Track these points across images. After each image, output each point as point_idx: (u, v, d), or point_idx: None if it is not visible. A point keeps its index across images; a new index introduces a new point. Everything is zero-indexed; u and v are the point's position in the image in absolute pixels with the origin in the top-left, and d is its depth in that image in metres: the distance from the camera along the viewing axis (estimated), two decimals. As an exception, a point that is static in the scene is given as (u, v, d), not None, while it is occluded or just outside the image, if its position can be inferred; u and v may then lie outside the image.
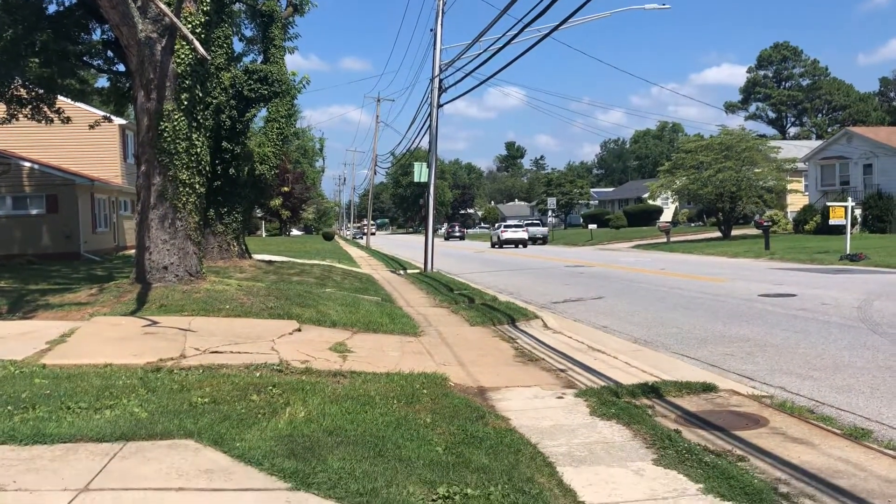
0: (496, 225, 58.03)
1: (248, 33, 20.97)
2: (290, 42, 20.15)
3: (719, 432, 5.44)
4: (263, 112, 20.11)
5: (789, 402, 6.35)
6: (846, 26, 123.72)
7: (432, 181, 23.34)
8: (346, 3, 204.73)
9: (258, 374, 6.67)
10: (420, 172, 25.76)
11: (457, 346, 9.28)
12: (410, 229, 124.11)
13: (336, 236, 78.73)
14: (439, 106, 23.21)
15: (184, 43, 11.02)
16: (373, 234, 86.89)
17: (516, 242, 47.65)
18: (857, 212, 35.93)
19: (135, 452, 4.51)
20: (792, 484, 4.41)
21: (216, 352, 7.60)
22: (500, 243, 48.34)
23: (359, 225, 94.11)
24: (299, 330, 9.30)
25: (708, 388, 6.68)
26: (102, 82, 23.72)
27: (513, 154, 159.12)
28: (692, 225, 61.13)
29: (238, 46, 22.92)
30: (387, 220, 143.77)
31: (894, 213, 36.93)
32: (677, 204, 65.59)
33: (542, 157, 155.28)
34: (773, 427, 5.57)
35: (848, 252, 23.71)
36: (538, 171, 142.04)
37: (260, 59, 19.91)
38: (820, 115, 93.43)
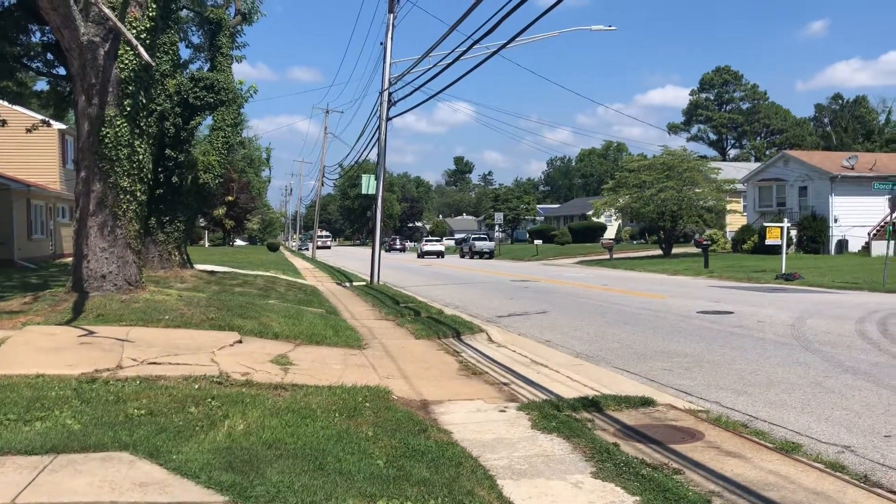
0: (422, 239, 74.13)
1: (195, 40, 20.71)
2: (237, 50, 19.97)
3: (656, 446, 5.54)
4: (209, 120, 19.84)
5: (724, 416, 6.50)
6: (785, 53, 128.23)
7: (380, 193, 23.31)
8: (296, 12, 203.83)
9: (197, 386, 6.55)
10: (368, 184, 25.70)
11: (401, 360, 9.27)
12: (357, 241, 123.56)
13: (281, 247, 77.86)
14: (388, 119, 23.23)
15: (128, 48, 10.82)
16: (328, 246, 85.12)
17: (434, 253, 59.60)
18: (793, 233, 37.09)
19: (66, 465, 4.38)
20: (725, 496, 4.52)
21: (154, 363, 7.44)
22: (423, 254, 60.17)
23: (321, 235, 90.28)
24: (240, 342, 9.17)
25: (646, 402, 6.80)
26: (42, 85, 23.14)
27: (461, 169, 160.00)
28: (634, 242, 62.25)
29: (184, 53, 22.74)
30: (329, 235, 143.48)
31: (827, 234, 38.22)
32: (620, 221, 66.73)
33: (490, 172, 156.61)
34: (709, 441, 5.70)
35: (783, 271, 24.45)
36: (486, 187, 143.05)
37: (206, 66, 19.67)
38: (759, 137, 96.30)
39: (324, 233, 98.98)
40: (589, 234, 70.44)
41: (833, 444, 5.74)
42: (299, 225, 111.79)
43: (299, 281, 23.59)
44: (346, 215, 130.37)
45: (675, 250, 43.37)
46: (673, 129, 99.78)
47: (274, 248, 67.26)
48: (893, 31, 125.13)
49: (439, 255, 59.21)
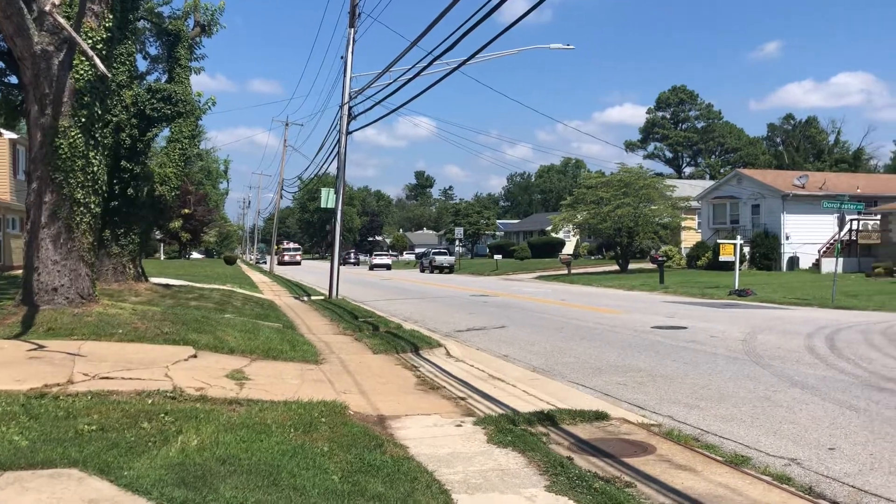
0: (371, 254, 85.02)
1: (152, 51, 20.45)
2: (196, 62, 19.80)
3: (609, 459, 5.62)
4: (166, 132, 19.63)
5: (676, 430, 6.62)
6: (739, 73, 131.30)
7: (339, 207, 23.24)
8: (257, 24, 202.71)
9: (150, 401, 6.46)
10: (327, 198, 25.61)
11: (359, 374, 9.25)
12: (317, 255, 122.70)
13: (238, 260, 77.00)
14: (348, 133, 23.22)
15: (83, 58, 10.68)
16: (297, 261, 79.08)
17: (383, 266, 66.19)
18: (746, 249, 37.90)
19: (12, 482, 4.29)
20: (675, 508, 4.60)
21: (107, 377, 7.32)
22: (373, 266, 66.48)
23: (290, 248, 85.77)
24: (195, 356, 9.06)
25: (601, 416, 6.89)
26: (-8, 94, 22.59)
27: (422, 183, 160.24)
28: (592, 258, 62.91)
29: (142, 64, 22.47)
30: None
31: (779, 251, 39.13)
32: (578, 237, 67.41)
33: (450, 187, 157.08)
34: (661, 454, 5.80)
35: (736, 287, 24.97)
36: (447, 201, 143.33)
37: (164, 77, 19.46)
38: (713, 156, 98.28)
39: (292, 245, 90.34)
40: (548, 249, 71.00)
41: (780, 456, 5.88)
42: (257, 238, 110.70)
43: (256, 295, 23.37)
44: (306, 229, 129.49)
45: (631, 266, 43.97)
46: (630, 146, 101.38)
47: (231, 261, 66.48)
48: (844, 54, 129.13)
49: (387, 267, 66.95)
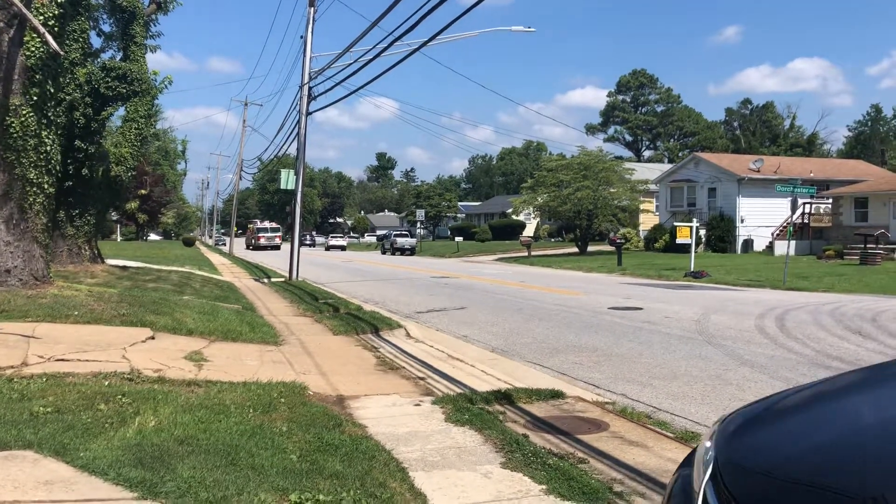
0: (329, 236, 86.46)
1: (106, 29, 20.00)
2: (152, 40, 19.44)
3: (564, 436, 5.76)
4: (121, 111, 19.26)
5: (630, 408, 6.79)
6: (699, 58, 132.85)
7: (299, 188, 23.10)
8: (215, 1, 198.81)
9: (107, 383, 6.43)
10: (287, 179, 25.42)
11: (318, 355, 9.28)
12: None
13: (197, 242, 76.04)
14: (309, 113, 23.03)
15: (35, 35, 10.44)
16: (276, 245, 66.17)
17: (338, 247, 71.21)
18: (702, 232, 38.58)
19: (-34, 465, 4.26)
20: (626, 483, 4.75)
21: (62, 359, 7.25)
22: (329, 247, 71.27)
23: (265, 228, 72.22)
24: (153, 338, 9.00)
25: (556, 394, 7.04)
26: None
27: (384, 165, 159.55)
28: (552, 240, 63.46)
29: (96, 42, 21.91)
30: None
31: (734, 234, 39.90)
32: (539, 220, 67.92)
33: (412, 169, 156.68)
34: (614, 431, 5.96)
35: (692, 269, 25.45)
36: (408, 183, 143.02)
37: (119, 55, 19.07)
38: (672, 140, 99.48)
39: (269, 224, 75.08)
40: (509, 231, 71.43)
41: (728, 432, 6.06)
42: (216, 219, 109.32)
43: (215, 277, 23.17)
44: (266, 210, 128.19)
45: (590, 248, 44.47)
46: (590, 129, 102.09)
47: (189, 242, 65.62)
48: (801, 39, 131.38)
49: (342, 248, 71.75)
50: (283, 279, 23.46)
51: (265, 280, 23.87)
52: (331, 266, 35.97)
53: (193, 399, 6.08)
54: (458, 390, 7.30)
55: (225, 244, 75.00)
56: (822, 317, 13.89)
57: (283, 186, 26.22)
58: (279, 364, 8.34)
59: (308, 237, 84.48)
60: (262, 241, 67.66)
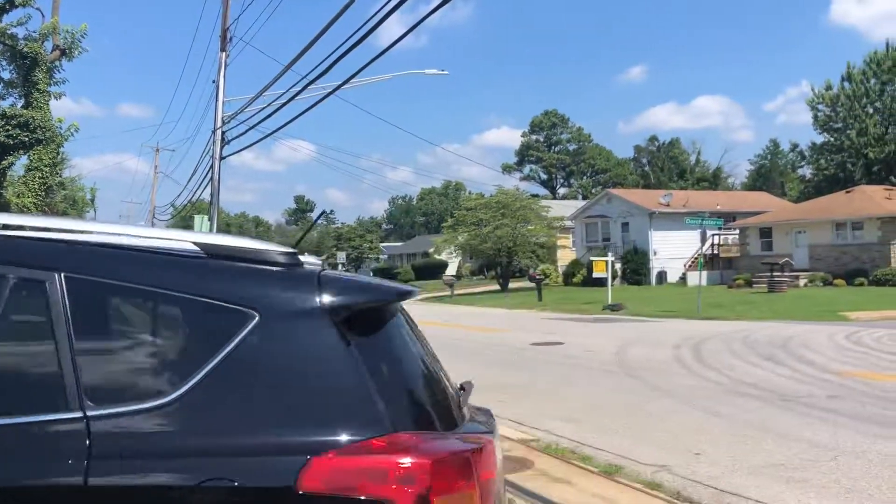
0: None
1: (6, 75, 19.31)
2: (56, 87, 18.85)
3: (490, 477, 5.71)
4: (24, 160, 18.53)
5: (554, 444, 6.81)
6: (607, 97, 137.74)
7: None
8: (124, 46, 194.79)
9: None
10: (201, 225, 24.82)
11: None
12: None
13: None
14: (222, 158, 22.66)
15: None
16: None
17: None
18: (618, 266, 39.52)
19: None
20: (553, 521, 4.73)
21: None
22: None
23: None
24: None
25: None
26: None
27: (302, 207, 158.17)
28: (475, 278, 63.90)
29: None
30: None
31: (648, 266, 41.06)
32: (461, 258, 68.40)
33: (332, 211, 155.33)
34: (539, 469, 5.95)
35: (609, 302, 25.98)
36: (328, 226, 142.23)
37: (21, 103, 18.41)
38: (585, 177, 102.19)
39: None
40: (431, 271, 71.56)
41: (651, 464, 6.15)
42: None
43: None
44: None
45: (511, 285, 44.95)
46: (507, 169, 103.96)
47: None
48: (703, 78, 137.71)
49: None
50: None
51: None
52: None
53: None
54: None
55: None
56: (735, 345, 14.36)
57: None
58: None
59: None
60: None
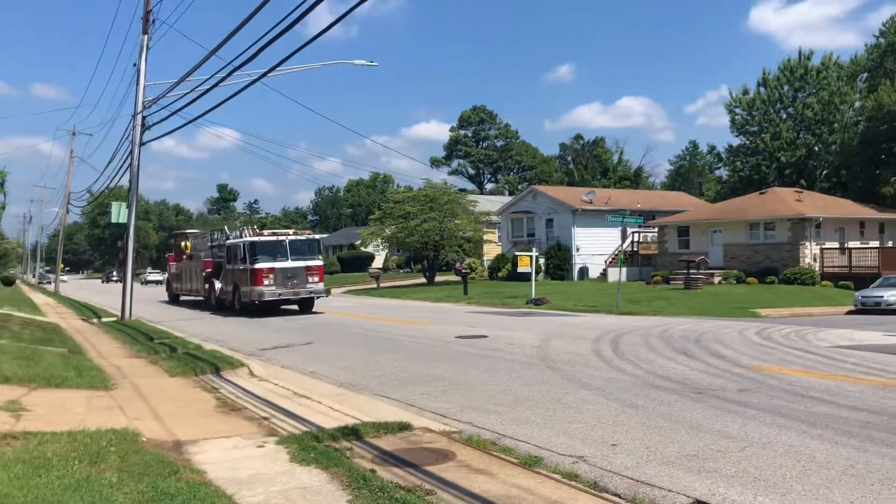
0: (147, 271, 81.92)
1: None
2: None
3: (412, 469, 5.74)
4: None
5: (476, 436, 6.88)
6: (535, 95, 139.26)
7: (132, 222, 21.92)
8: (40, 24, 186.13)
9: None
10: (119, 212, 24.08)
11: (154, 399, 8.76)
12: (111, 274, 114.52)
13: (18, 281, 70.18)
14: (143, 143, 21.99)
15: None
16: (114, 279, 74.07)
17: (155, 282, 68.34)
18: (542, 261, 40.14)
19: None
20: (473, 512, 4.79)
21: None
22: (146, 282, 68.90)
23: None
24: (-37, 388, 8.15)
25: (405, 427, 7.01)
26: None
27: (225, 196, 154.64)
28: (401, 271, 63.78)
29: None
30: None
31: (571, 262, 41.83)
32: (388, 251, 68.17)
33: (256, 200, 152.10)
34: (460, 460, 6.00)
35: (533, 297, 26.36)
36: (252, 215, 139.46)
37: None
38: (511, 173, 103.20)
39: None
40: (358, 263, 71.04)
41: (569, 455, 6.28)
42: (40, 256, 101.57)
43: (38, 318, 21.44)
44: (96, 245, 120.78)
45: (438, 278, 45.09)
46: (435, 163, 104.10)
47: (9, 282, 60.38)
48: (628, 79, 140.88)
49: (158, 283, 69.47)
50: (114, 319, 22.06)
51: (94, 320, 22.36)
52: (169, 303, 34.23)
53: (10, 453, 5.54)
54: (304, 429, 7.12)
55: (50, 282, 69.76)
56: (652, 339, 14.77)
57: (114, 220, 24.78)
58: (110, 410, 7.79)
59: (115, 274, 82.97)
60: (151, 277, 73.02)
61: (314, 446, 6.18)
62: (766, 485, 5.38)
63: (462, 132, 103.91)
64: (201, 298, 28.44)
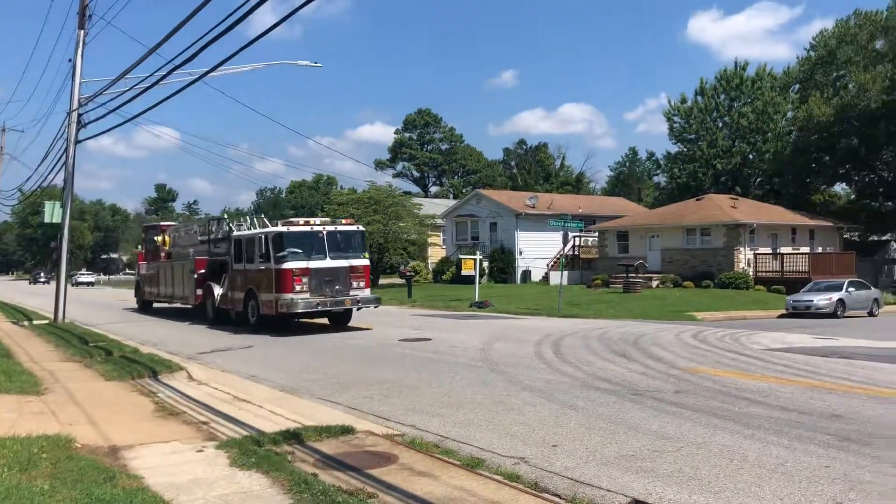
0: (79, 272, 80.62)
1: None
2: None
3: (354, 472, 5.72)
4: None
5: (419, 438, 6.90)
6: (479, 99, 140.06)
7: (66, 222, 21.30)
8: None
9: None
10: (52, 212, 23.30)
11: (88, 404, 8.53)
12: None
13: (-57, 283, 67.43)
14: (78, 141, 21.39)
15: None
16: (42, 280, 73.41)
17: (86, 284, 70.45)
18: (486, 264, 40.36)
19: None
20: (415, 514, 4.80)
21: None
22: (76, 284, 66.59)
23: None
24: None
25: (347, 430, 6.99)
26: None
27: (163, 197, 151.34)
28: (344, 274, 63.37)
29: None
30: None
31: (514, 265, 42.19)
32: (330, 253, 67.60)
33: (195, 201, 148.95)
34: (403, 463, 6.01)
35: (477, 300, 26.52)
36: (191, 216, 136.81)
37: None
38: (456, 176, 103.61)
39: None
40: (299, 266, 70.38)
41: (511, 456, 6.34)
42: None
43: (-35, 321, 20.63)
44: (27, 246, 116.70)
45: (382, 281, 44.95)
46: (380, 165, 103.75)
47: (-67, 283, 57.94)
48: (570, 86, 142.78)
49: (90, 284, 70.98)
50: (47, 321, 21.39)
51: (25, 323, 21.64)
52: (104, 306, 33.34)
53: (-67, 462, 5.34)
54: (245, 433, 7.03)
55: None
56: (592, 342, 15.01)
57: (47, 220, 23.97)
58: (42, 416, 7.56)
59: (42, 275, 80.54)
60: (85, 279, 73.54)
61: (255, 450, 6.11)
62: (701, 483, 5.53)
63: (407, 135, 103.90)
64: (189, 306, 23.09)
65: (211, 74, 12.57)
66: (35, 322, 21.61)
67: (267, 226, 19.29)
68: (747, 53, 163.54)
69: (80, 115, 21.10)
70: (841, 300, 25.85)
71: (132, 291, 31.31)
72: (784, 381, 10.15)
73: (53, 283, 23.45)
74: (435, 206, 54.95)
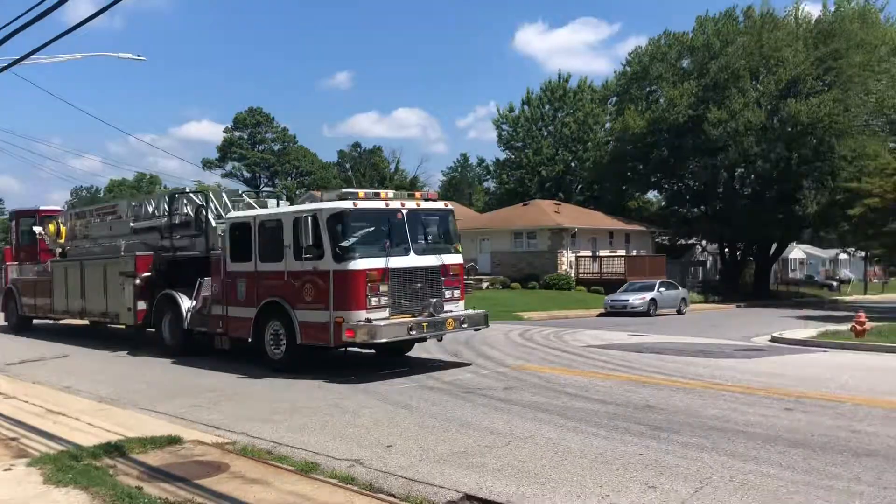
0: None
1: None
2: None
3: (182, 483, 5.51)
4: None
5: (251, 446, 6.75)
6: (313, 100, 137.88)
7: None
8: None
9: None
10: None
11: None
12: None
13: None
14: None
15: None
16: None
17: None
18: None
19: None
20: (248, 522, 4.70)
21: None
22: None
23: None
24: None
25: (174, 440, 6.71)
26: None
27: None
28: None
29: None
30: None
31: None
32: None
33: (1, 200, 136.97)
34: (234, 471, 5.86)
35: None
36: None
37: None
38: (290, 178, 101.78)
39: None
40: (119, 269, 66.34)
41: (346, 459, 6.35)
42: None
43: None
44: None
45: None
46: (208, 164, 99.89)
47: None
48: (404, 91, 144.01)
49: None
50: None
51: None
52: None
53: None
54: (61, 448, 6.56)
55: None
56: (426, 343, 15.25)
57: None
58: None
59: None
60: None
61: (72, 466, 5.74)
62: (528, 475, 5.81)
63: (237, 134, 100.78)
64: (120, 326, 16.71)
65: (22, 63, 11.59)
66: None
67: (292, 203, 13.20)
68: (571, 66, 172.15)
69: None
70: (653, 299, 27.92)
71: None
72: (603, 376, 10.84)
73: None
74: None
